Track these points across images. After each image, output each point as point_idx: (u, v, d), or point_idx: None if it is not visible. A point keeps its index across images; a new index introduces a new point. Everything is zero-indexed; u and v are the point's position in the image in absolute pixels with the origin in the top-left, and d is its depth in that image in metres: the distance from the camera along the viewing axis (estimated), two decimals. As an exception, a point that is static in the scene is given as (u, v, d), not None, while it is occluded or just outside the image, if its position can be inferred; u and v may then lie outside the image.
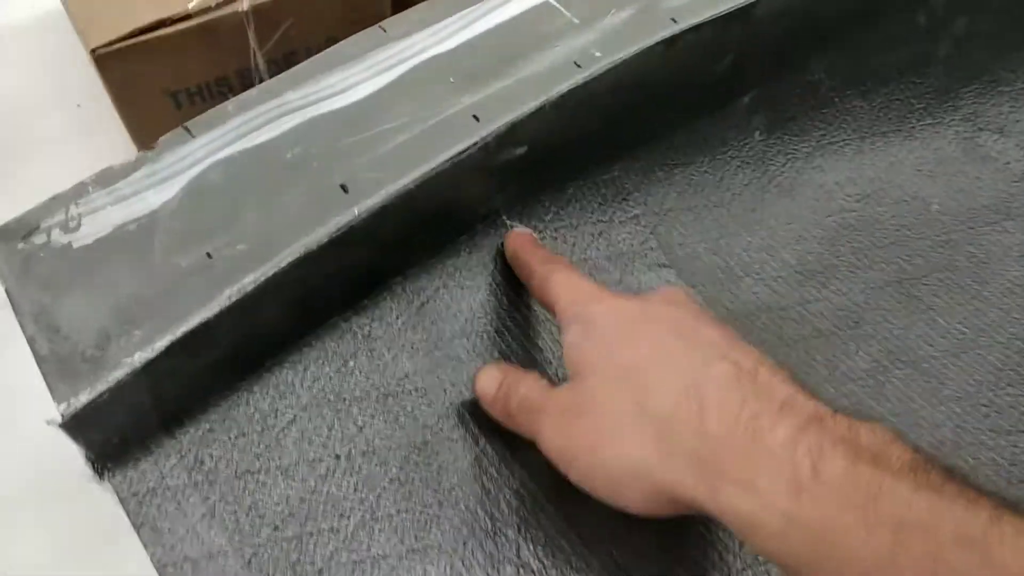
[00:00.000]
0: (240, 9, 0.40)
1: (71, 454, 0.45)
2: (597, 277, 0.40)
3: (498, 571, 0.31)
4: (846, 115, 0.47)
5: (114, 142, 0.56)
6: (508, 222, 0.40)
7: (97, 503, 0.44)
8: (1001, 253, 0.42)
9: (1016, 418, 0.37)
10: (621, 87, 0.38)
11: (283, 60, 0.44)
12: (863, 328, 0.40)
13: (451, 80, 0.36)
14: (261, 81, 0.44)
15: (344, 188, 0.33)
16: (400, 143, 0.34)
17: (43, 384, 0.48)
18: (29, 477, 0.45)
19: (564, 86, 0.36)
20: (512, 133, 0.35)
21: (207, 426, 0.32)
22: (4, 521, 0.44)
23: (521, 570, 0.31)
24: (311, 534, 0.31)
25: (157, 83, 0.42)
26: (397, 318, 0.36)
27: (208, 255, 0.31)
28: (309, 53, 0.44)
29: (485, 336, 0.37)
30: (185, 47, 0.40)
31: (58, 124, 0.57)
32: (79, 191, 0.33)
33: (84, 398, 0.27)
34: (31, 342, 0.29)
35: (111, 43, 0.39)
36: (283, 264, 0.31)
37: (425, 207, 0.35)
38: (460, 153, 0.34)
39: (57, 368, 0.28)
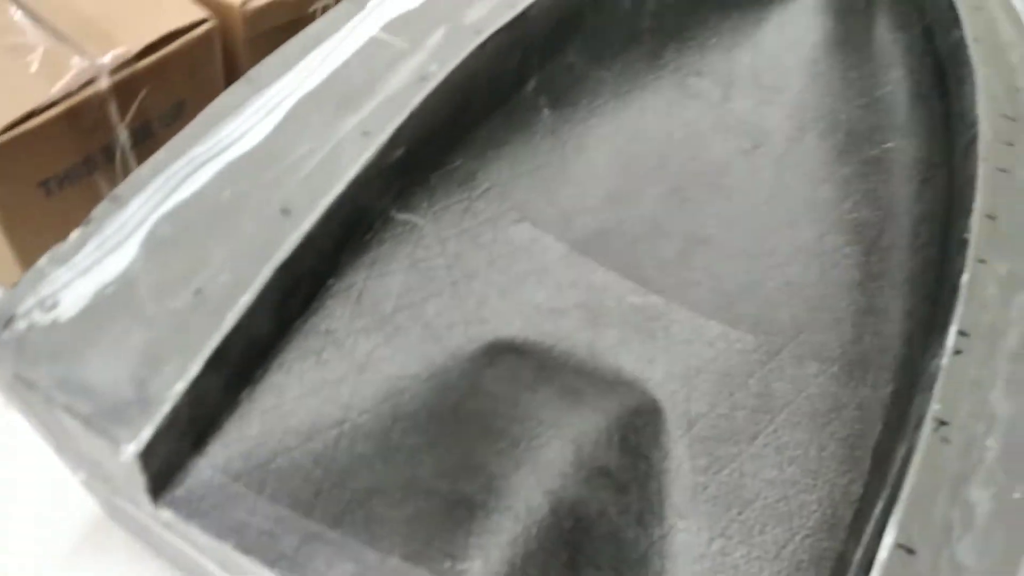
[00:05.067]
0: (100, 88, 0.44)
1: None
2: (479, 239, 0.49)
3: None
4: (598, 84, 0.61)
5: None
6: (396, 216, 0.48)
7: None
8: (726, 155, 0.60)
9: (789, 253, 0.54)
10: (455, 92, 0.48)
11: (140, 130, 0.47)
12: (664, 226, 0.54)
13: (331, 108, 0.44)
14: (123, 154, 0.47)
15: (285, 211, 0.39)
16: (313, 167, 0.41)
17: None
18: None
19: (419, 96, 0.45)
20: (395, 139, 0.44)
21: (227, 434, 0.36)
22: None
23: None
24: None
25: (30, 175, 0.43)
26: (344, 312, 0.43)
27: (198, 291, 0.35)
28: (161, 120, 0.49)
29: (416, 305, 0.45)
30: (54, 134, 0.43)
31: None
32: (37, 275, 0.35)
33: (147, 433, 0.31)
34: (69, 409, 0.31)
35: (-15, 142, 0.40)
36: (263, 282, 0.36)
37: (348, 214, 0.42)
38: (365, 164, 0.42)
39: (109, 419, 0.31)
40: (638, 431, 0.43)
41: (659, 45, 0.65)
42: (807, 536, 0.40)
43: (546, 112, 0.58)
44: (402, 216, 0.48)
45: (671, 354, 0.47)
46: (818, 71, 0.67)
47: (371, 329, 0.43)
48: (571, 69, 0.60)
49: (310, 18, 0.54)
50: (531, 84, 0.57)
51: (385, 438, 0.39)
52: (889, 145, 0.62)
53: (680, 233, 0.54)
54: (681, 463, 0.42)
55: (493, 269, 0.48)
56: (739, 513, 0.41)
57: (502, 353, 0.45)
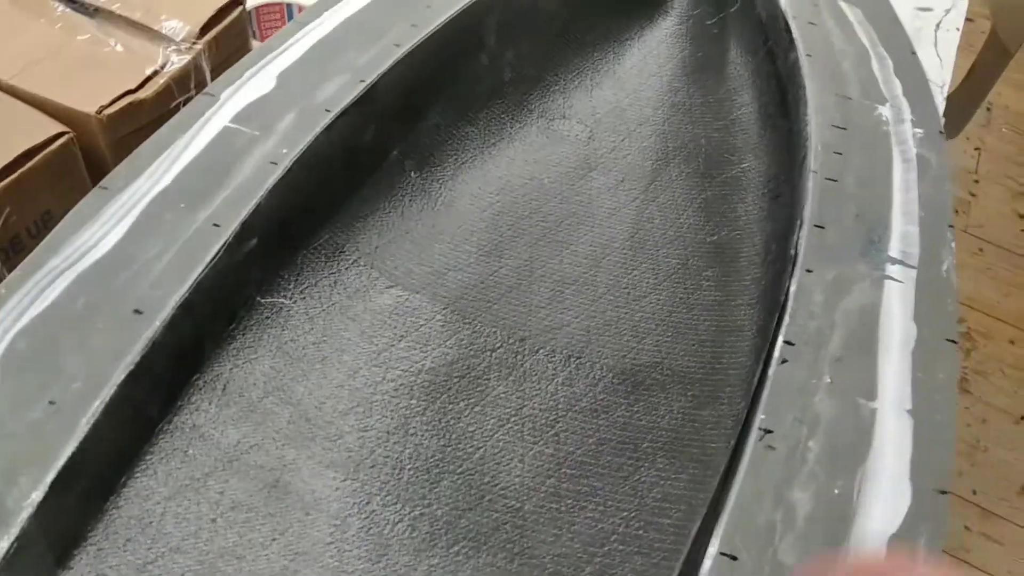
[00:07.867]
0: (-41, 214, 0.46)
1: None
2: (349, 312, 0.52)
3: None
4: (464, 140, 0.64)
5: None
6: (261, 301, 0.50)
7: None
8: (595, 193, 0.63)
9: (642, 288, 0.57)
10: (310, 171, 0.51)
11: (10, 246, 0.49)
12: (536, 272, 0.57)
13: (182, 206, 0.46)
14: (-5, 269, 0.49)
15: (138, 311, 0.41)
16: (166, 264, 0.43)
17: None
18: None
19: (269, 183, 0.48)
20: (245, 230, 0.46)
21: (95, 546, 0.38)
22: None
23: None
24: None
25: None
26: (210, 404, 0.45)
27: (51, 402, 0.37)
28: (30, 232, 0.51)
29: (284, 387, 0.47)
30: (-84, 262, 0.44)
31: None
32: None
33: (4, 544, 0.33)
34: (-73, 531, 0.33)
35: None
36: (116, 385, 0.38)
37: (203, 306, 0.44)
38: (215, 254, 0.44)
39: (-33, 536, 0.33)
40: (509, 476, 0.46)
41: (523, 94, 0.68)
42: (664, 558, 0.42)
43: (413, 175, 0.61)
44: (267, 300, 0.50)
45: (541, 398, 0.50)
46: (677, 100, 0.71)
47: (239, 418, 0.44)
48: (436, 130, 0.63)
49: (174, 113, 0.56)
50: (395, 151, 0.60)
51: (248, 531, 0.41)
52: (745, 165, 0.66)
53: (551, 277, 0.57)
54: (548, 503, 0.44)
55: (364, 339, 0.51)
56: (601, 546, 0.43)
57: (375, 423, 0.47)
